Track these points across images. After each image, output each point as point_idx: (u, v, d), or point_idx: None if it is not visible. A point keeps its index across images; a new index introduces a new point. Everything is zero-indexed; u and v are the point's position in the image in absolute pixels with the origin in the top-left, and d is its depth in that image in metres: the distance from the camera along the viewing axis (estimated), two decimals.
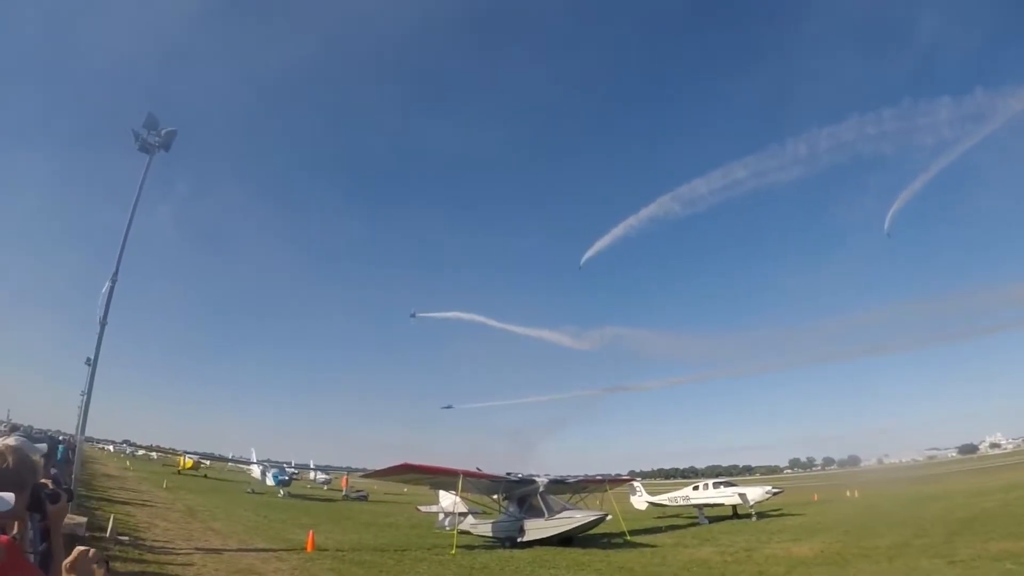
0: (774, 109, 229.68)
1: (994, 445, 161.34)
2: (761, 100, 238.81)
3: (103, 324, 17.17)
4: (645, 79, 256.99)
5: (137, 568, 10.94)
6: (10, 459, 2.23)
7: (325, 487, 58.16)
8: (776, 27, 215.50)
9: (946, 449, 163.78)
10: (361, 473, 46.28)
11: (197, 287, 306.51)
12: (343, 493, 49.02)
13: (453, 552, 16.79)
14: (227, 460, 79.91)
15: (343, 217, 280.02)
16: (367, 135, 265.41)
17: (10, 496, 1.86)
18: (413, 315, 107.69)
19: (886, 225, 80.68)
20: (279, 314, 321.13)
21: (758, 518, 27.54)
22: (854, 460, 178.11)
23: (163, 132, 18.90)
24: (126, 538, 14.00)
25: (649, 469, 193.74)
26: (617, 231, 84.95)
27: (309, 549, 15.38)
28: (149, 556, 12.41)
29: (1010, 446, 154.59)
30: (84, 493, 23.59)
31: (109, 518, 14.99)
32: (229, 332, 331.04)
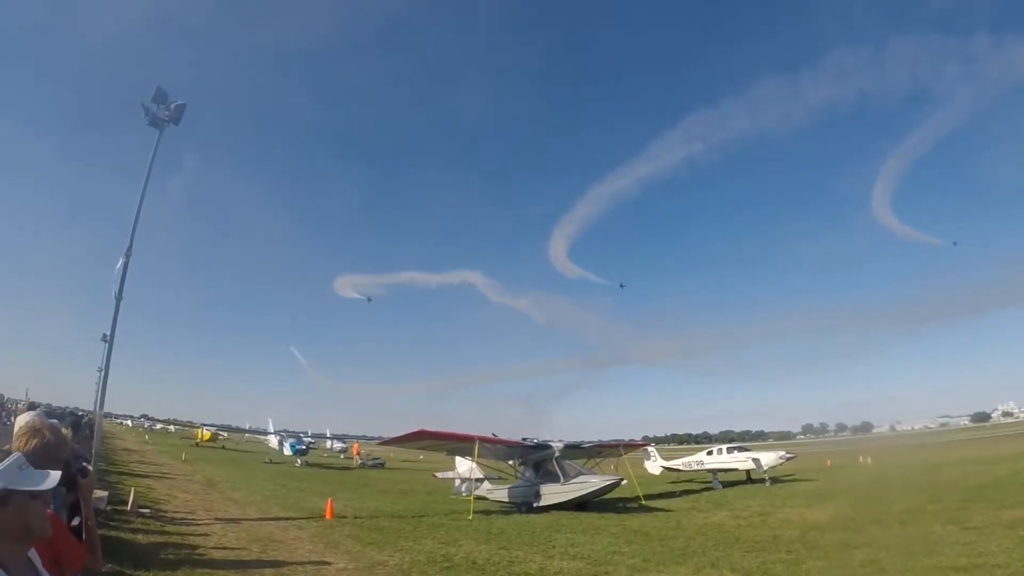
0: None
1: (1007, 414, 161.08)
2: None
3: (119, 299, 17.03)
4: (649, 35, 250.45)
5: (159, 539, 11.00)
6: (48, 435, 2.44)
7: (342, 456, 58.93)
8: None
9: (959, 417, 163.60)
10: (377, 441, 46.78)
11: (209, 261, 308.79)
12: (359, 461, 49.59)
13: (470, 517, 16.87)
14: (244, 431, 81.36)
15: (351, 187, 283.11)
16: (372, 107, 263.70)
17: (56, 473, 1.95)
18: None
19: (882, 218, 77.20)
20: (293, 285, 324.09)
21: (771, 483, 27.43)
22: (867, 427, 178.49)
23: (172, 106, 18.47)
24: (147, 510, 14.13)
25: (663, 434, 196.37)
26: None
27: (328, 516, 15.46)
28: (170, 527, 12.50)
29: (1022, 415, 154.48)
30: (104, 468, 23.94)
31: (130, 491, 15.17)
32: (244, 304, 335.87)
